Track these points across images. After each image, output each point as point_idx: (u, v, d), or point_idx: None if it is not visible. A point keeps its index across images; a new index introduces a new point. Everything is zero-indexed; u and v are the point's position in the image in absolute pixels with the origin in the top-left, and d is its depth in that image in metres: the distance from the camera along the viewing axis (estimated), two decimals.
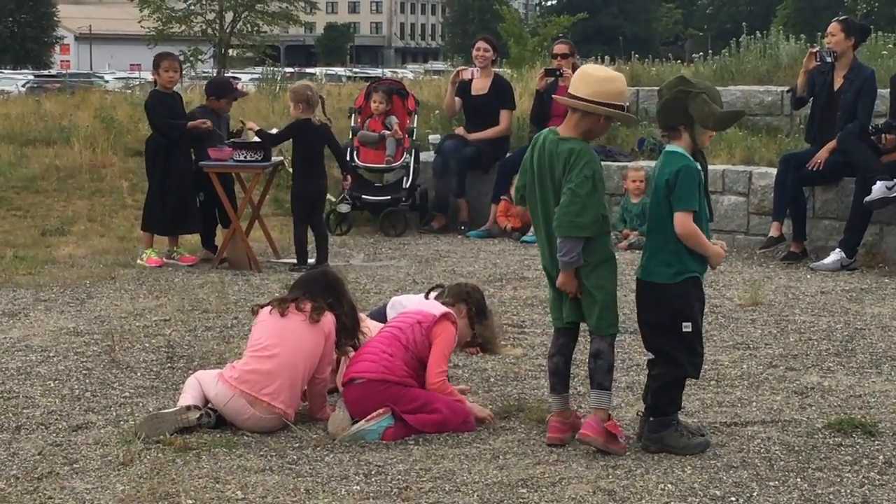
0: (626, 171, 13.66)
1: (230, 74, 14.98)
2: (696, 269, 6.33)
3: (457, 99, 14.75)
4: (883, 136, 11.80)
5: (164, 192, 11.99)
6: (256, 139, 11.93)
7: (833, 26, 12.30)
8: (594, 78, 6.45)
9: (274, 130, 12.31)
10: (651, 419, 6.38)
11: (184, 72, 13.44)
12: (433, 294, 7.60)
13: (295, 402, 6.77)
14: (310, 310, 6.77)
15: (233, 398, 6.64)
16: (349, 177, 12.04)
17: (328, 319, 6.81)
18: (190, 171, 12.00)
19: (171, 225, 12.15)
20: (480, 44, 14.83)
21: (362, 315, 7.99)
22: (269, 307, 6.89)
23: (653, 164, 13.62)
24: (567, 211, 6.27)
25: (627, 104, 6.53)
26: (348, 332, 6.96)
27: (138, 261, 11.96)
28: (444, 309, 7.05)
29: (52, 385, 7.65)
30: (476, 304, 7.32)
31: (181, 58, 14.95)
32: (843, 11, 21.29)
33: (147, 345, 8.72)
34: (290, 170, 12.81)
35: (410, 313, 7.15)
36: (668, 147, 6.43)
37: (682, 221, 6.24)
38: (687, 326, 6.32)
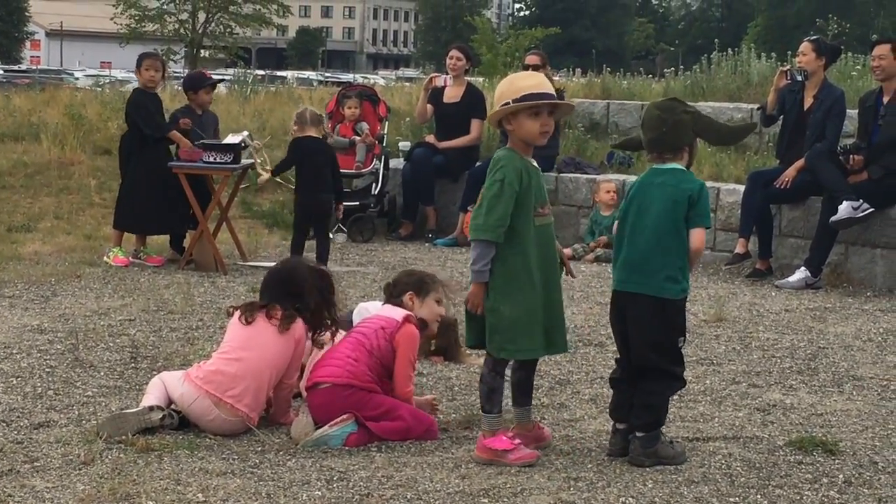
0: (595, 184, 13.70)
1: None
2: (688, 286, 6.44)
3: (429, 106, 14.76)
4: (851, 156, 11.87)
5: (137, 191, 11.96)
6: (249, 144, 11.99)
7: (805, 46, 12.38)
8: (498, 89, 6.49)
9: None
10: (641, 435, 6.37)
11: (167, 73, 13.37)
12: (384, 297, 7.55)
13: (259, 406, 6.76)
14: (280, 318, 6.75)
15: (198, 399, 6.62)
16: (340, 206, 11.81)
17: (298, 325, 6.80)
18: (164, 171, 11.94)
19: (142, 224, 12.12)
20: (454, 52, 14.84)
21: None
22: (238, 311, 6.87)
23: (623, 178, 13.75)
24: (475, 214, 6.33)
25: (545, 91, 6.42)
26: (318, 324, 6.93)
27: (105, 258, 11.93)
28: (403, 312, 7.05)
29: (15, 382, 7.61)
30: (413, 286, 7.29)
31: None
32: (814, 31, 21.37)
33: (111, 344, 8.69)
34: (265, 174, 12.85)
35: (374, 318, 7.14)
36: (669, 165, 6.41)
37: (701, 237, 6.34)
38: (681, 341, 6.41)
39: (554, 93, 6.42)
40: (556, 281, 6.44)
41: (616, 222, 6.69)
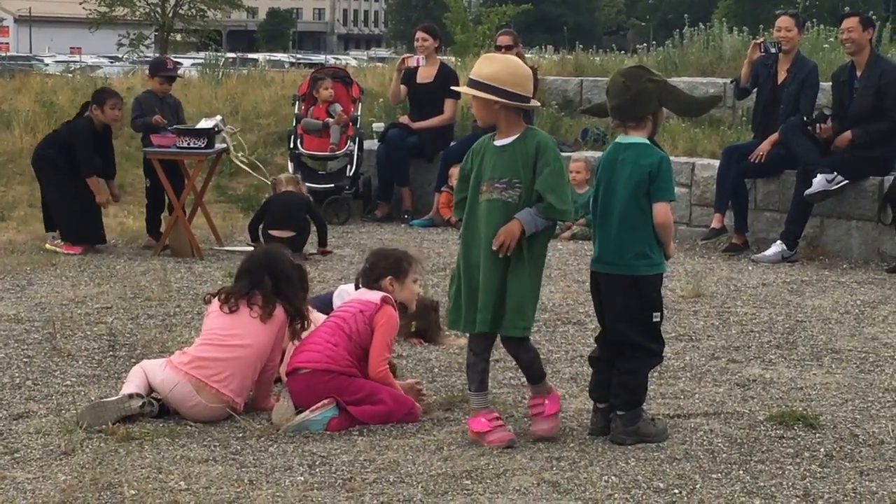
0: (570, 161, 13.68)
1: (171, 58, 14.83)
2: (663, 261, 6.45)
3: (402, 87, 14.73)
4: (818, 125, 11.89)
5: (66, 199, 11.88)
6: (222, 128, 12.01)
7: (786, 20, 12.35)
8: (506, 69, 6.42)
9: None
10: (622, 413, 6.38)
11: (125, 58, 13.25)
12: (360, 282, 7.48)
13: (244, 392, 6.75)
14: (261, 305, 6.74)
15: (179, 384, 6.60)
16: (326, 252, 11.94)
17: (279, 311, 6.79)
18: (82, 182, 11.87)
19: (83, 235, 12.02)
20: (420, 34, 14.81)
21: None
22: (218, 300, 6.85)
23: (597, 154, 13.73)
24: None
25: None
26: (296, 313, 6.92)
27: (47, 245, 11.84)
28: (380, 294, 7.03)
29: None
30: (387, 268, 7.24)
31: (125, 42, 14.76)
32: (785, 4, 21.36)
33: (89, 332, 8.66)
34: (239, 162, 12.84)
35: (352, 302, 7.12)
36: (628, 138, 6.41)
37: (665, 211, 6.35)
38: (656, 316, 6.41)
39: None
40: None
41: (591, 199, 6.68)
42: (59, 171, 11.91)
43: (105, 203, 12.03)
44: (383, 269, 7.24)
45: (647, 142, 6.42)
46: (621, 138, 6.48)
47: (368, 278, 7.25)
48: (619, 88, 6.42)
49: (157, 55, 28.35)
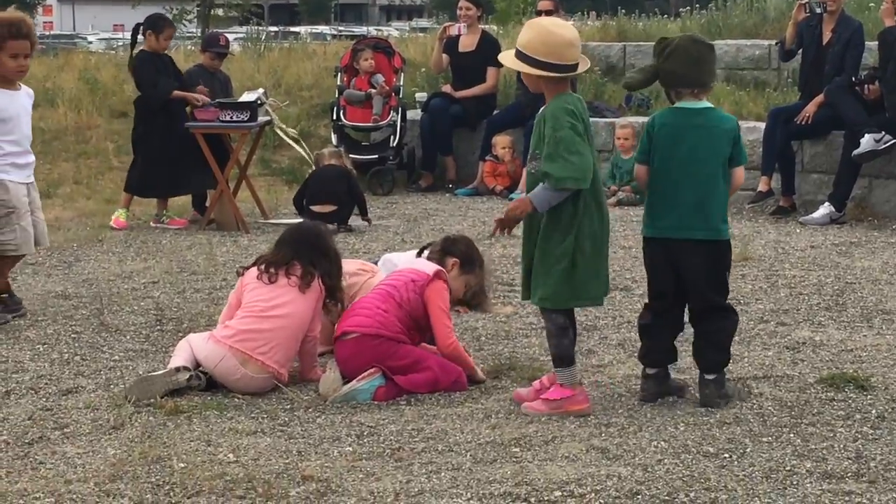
0: (614, 128, 13.61)
1: (225, 34, 14.79)
2: None
3: (444, 56, 14.70)
4: (866, 86, 11.77)
5: (154, 154, 11.89)
6: (265, 101, 12.05)
7: None
8: (541, 35, 6.32)
9: None
10: (712, 377, 6.36)
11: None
12: (425, 253, 7.56)
13: (288, 362, 6.76)
14: (299, 276, 6.74)
15: (224, 358, 6.60)
16: (368, 220, 12.00)
17: (316, 283, 6.79)
18: (179, 132, 11.86)
19: (165, 187, 12.07)
20: (463, 2, 14.76)
21: (356, 261, 8.03)
22: (255, 270, 6.85)
23: (642, 119, 13.65)
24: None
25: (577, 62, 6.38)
26: (332, 291, 6.93)
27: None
28: (435, 267, 7.01)
29: (42, 349, 7.61)
30: (462, 255, 7.25)
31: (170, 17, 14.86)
32: None
33: (136, 307, 8.68)
34: (283, 134, 12.86)
35: (405, 271, 7.11)
36: (699, 103, 6.34)
37: (742, 175, 6.45)
38: (728, 275, 6.48)
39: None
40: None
41: (637, 165, 6.56)
42: (153, 138, 11.97)
43: (202, 101, 11.92)
44: (457, 251, 7.25)
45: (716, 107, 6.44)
46: (687, 104, 6.33)
47: (439, 252, 7.25)
48: (692, 55, 6.30)
49: (208, 30, 28.27)
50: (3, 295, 8.37)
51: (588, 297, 6.38)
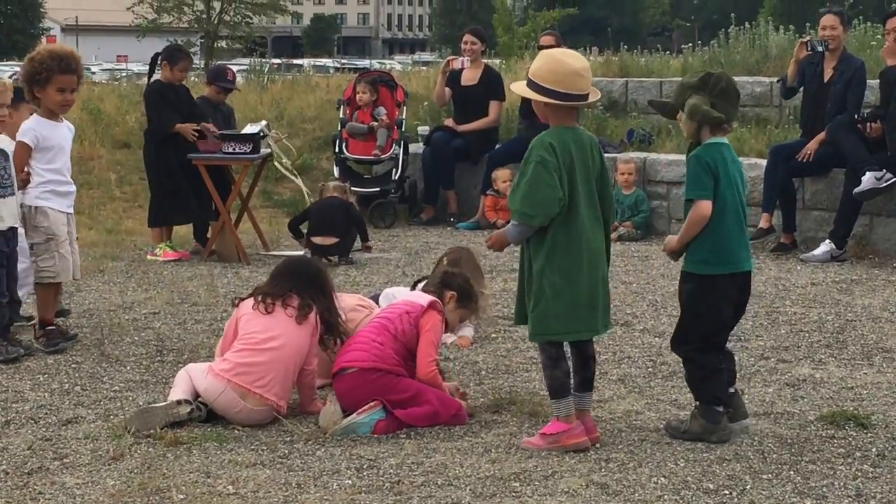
0: (616, 163, 13.62)
1: (232, 69, 14.73)
2: None
3: (447, 89, 14.74)
4: (868, 124, 11.79)
5: (163, 184, 11.98)
6: (267, 133, 12.09)
7: (831, 19, 12.28)
8: (549, 64, 6.37)
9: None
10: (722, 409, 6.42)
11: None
12: (420, 285, 7.58)
13: (287, 394, 6.75)
14: (297, 307, 6.74)
15: (224, 391, 6.60)
16: (368, 248, 12.17)
17: (313, 316, 6.79)
18: (186, 161, 11.92)
19: (171, 215, 12.13)
20: (467, 37, 14.82)
21: (354, 296, 8.02)
22: (252, 301, 6.85)
23: (644, 155, 13.69)
24: None
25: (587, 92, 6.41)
26: (330, 327, 6.93)
27: (149, 256, 11.89)
28: (430, 298, 7.03)
29: (42, 379, 7.61)
30: (460, 289, 7.29)
31: None
32: (830, 2, 21.21)
33: (136, 338, 8.69)
34: (280, 167, 12.88)
35: (399, 303, 7.14)
36: (723, 139, 6.43)
37: None
38: None
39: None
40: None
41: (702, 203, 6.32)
42: (160, 167, 12.08)
43: (191, 138, 11.95)
44: (455, 285, 7.28)
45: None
46: (720, 139, 6.40)
47: (437, 284, 7.27)
48: (736, 92, 6.50)
49: (212, 62, 28.34)
50: (50, 327, 8.39)
51: (573, 331, 6.26)
